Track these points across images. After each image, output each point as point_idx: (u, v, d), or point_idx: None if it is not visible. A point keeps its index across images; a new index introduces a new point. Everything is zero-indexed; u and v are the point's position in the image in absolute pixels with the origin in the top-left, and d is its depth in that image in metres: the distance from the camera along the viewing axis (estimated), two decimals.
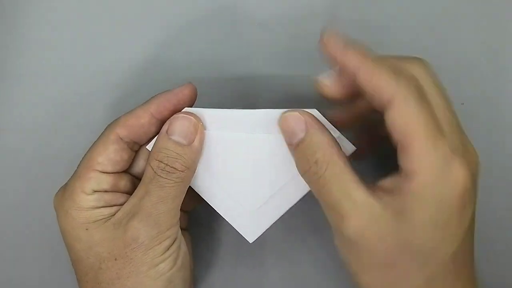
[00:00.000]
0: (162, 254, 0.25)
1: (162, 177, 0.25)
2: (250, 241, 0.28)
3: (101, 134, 0.27)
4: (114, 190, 0.27)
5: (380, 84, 0.23)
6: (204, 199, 0.28)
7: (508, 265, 0.33)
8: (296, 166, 0.26)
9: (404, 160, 0.23)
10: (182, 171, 0.26)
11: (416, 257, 0.23)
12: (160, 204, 0.25)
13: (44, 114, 0.35)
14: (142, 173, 0.27)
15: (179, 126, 0.26)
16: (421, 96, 0.23)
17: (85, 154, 0.27)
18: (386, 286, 0.24)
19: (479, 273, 0.26)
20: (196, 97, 0.28)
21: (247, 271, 0.33)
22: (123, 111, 0.28)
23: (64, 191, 0.26)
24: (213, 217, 0.31)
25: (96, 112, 0.34)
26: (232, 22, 0.35)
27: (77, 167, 0.27)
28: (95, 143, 0.27)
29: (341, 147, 0.26)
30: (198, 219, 0.33)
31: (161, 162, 0.25)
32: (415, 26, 0.35)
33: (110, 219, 0.25)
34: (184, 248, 0.27)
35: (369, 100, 0.24)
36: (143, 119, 0.26)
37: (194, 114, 0.26)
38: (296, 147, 0.25)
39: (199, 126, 0.26)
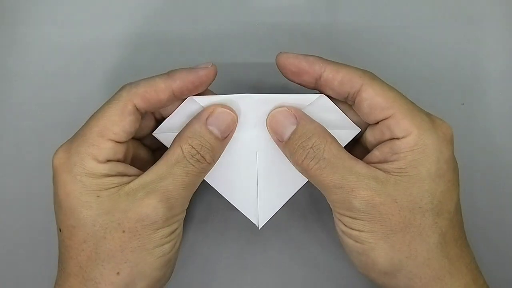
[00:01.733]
0: (169, 235, 0.25)
1: (190, 163, 0.25)
2: (259, 227, 0.28)
3: (116, 99, 0.25)
4: (125, 160, 0.26)
5: (349, 73, 0.25)
6: (213, 186, 0.28)
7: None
8: (291, 159, 0.26)
9: (393, 127, 0.25)
10: (209, 164, 0.26)
11: (428, 214, 0.24)
12: (181, 189, 0.25)
13: (41, 112, 0.34)
14: (142, 135, 0.27)
15: (221, 119, 0.26)
16: (382, 80, 0.26)
17: (96, 118, 0.25)
18: (404, 252, 0.24)
19: None
20: (214, 78, 0.26)
21: (253, 253, 0.33)
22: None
23: (71, 155, 0.25)
24: (220, 201, 0.31)
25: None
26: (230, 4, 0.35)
27: (85, 130, 0.25)
28: (109, 109, 0.25)
29: (346, 128, 0.27)
30: (207, 203, 0.33)
31: (193, 148, 0.25)
32: (415, 27, 0.35)
33: (122, 187, 0.24)
34: (182, 231, 0.27)
35: (335, 92, 0.26)
36: (163, 95, 0.25)
37: (234, 111, 0.26)
38: (289, 140, 0.26)
39: (234, 124, 0.27)
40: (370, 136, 0.27)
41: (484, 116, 0.34)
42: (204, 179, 0.27)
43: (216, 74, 0.26)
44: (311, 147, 0.25)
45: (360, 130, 0.28)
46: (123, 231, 0.24)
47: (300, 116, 0.26)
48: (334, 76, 0.25)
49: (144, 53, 0.35)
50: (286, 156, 0.27)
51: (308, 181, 0.28)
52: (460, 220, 0.26)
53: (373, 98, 0.25)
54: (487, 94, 0.34)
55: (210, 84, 0.26)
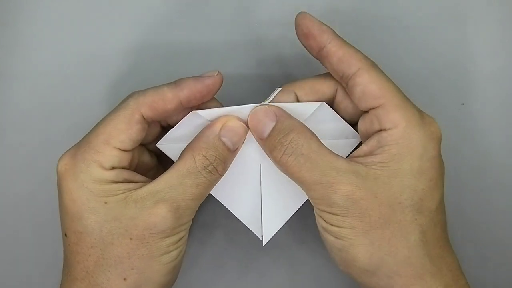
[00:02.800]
0: (176, 243, 0.25)
1: (202, 174, 0.25)
2: (264, 243, 0.28)
3: (123, 107, 0.25)
4: (130, 167, 0.26)
5: (350, 53, 0.25)
6: (220, 201, 0.28)
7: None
8: (270, 156, 0.26)
9: (382, 117, 0.25)
10: (220, 175, 0.26)
11: (408, 210, 0.24)
12: (191, 201, 0.25)
13: (40, 110, 0.34)
14: (148, 142, 0.27)
15: (234, 131, 0.26)
16: (380, 70, 0.26)
17: (103, 125, 0.25)
18: (384, 248, 0.24)
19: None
20: (220, 86, 0.26)
21: (251, 275, 0.33)
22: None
23: (76, 162, 0.25)
24: (217, 222, 0.31)
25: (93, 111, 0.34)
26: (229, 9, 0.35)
27: (91, 137, 0.25)
28: (115, 117, 0.25)
29: (348, 137, 0.27)
30: (204, 223, 0.33)
31: (207, 159, 0.25)
32: (415, 27, 0.35)
33: (130, 195, 0.24)
34: (187, 237, 0.27)
35: (332, 68, 0.26)
36: (170, 105, 0.25)
37: (245, 123, 0.26)
38: (268, 137, 0.26)
39: (244, 136, 0.27)
40: (361, 126, 0.27)
41: (484, 116, 0.34)
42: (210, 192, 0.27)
43: (222, 82, 0.26)
44: (289, 143, 0.25)
45: (360, 140, 0.28)
46: (131, 238, 0.24)
47: (278, 112, 0.26)
48: (335, 51, 0.25)
49: (149, 60, 0.34)
50: (267, 154, 0.27)
51: None
52: (443, 220, 0.25)
53: (367, 85, 0.25)
54: (487, 94, 0.34)
55: (217, 92, 0.26)
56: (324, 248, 0.27)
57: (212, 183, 0.26)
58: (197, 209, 0.26)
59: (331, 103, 0.28)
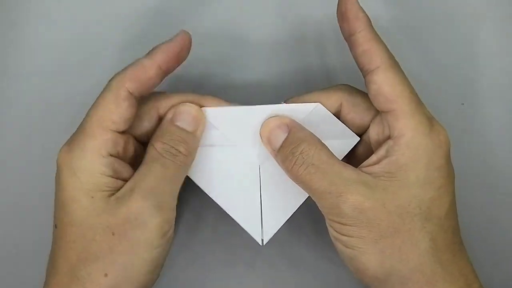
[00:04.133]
0: (160, 239, 0.25)
1: (166, 158, 0.25)
2: (264, 243, 0.28)
3: (108, 89, 0.25)
4: (123, 155, 0.26)
5: (375, 49, 0.25)
6: (217, 202, 0.28)
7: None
8: (283, 167, 0.26)
9: (391, 124, 0.25)
10: (185, 155, 0.26)
11: (416, 219, 0.24)
12: (162, 181, 0.25)
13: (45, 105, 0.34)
14: (144, 135, 0.28)
15: (183, 113, 0.27)
16: (402, 71, 0.25)
17: (93, 111, 0.25)
18: (395, 257, 0.24)
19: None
20: (191, 44, 0.27)
21: (253, 272, 0.33)
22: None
23: (72, 149, 0.25)
24: (220, 219, 0.31)
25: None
26: None
27: (85, 124, 0.25)
28: (103, 100, 0.25)
29: (344, 137, 0.27)
30: (206, 220, 0.33)
31: (165, 143, 0.26)
32: (415, 27, 0.35)
33: (114, 193, 0.25)
34: (172, 237, 0.27)
35: (355, 58, 0.26)
36: (151, 71, 0.26)
37: (197, 104, 0.27)
38: (280, 148, 0.26)
39: (202, 117, 0.27)
40: (373, 132, 0.27)
41: (484, 116, 0.34)
42: (208, 194, 0.27)
43: (190, 37, 0.26)
44: (300, 153, 0.25)
45: (359, 139, 0.28)
46: (113, 234, 0.24)
47: (291, 124, 0.26)
48: (362, 43, 0.25)
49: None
50: (279, 165, 0.27)
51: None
52: (453, 226, 0.25)
53: (381, 86, 0.25)
54: (487, 94, 0.34)
55: (189, 49, 0.27)
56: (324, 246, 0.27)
57: (181, 165, 0.26)
58: (175, 197, 0.26)
59: (337, 116, 0.28)
